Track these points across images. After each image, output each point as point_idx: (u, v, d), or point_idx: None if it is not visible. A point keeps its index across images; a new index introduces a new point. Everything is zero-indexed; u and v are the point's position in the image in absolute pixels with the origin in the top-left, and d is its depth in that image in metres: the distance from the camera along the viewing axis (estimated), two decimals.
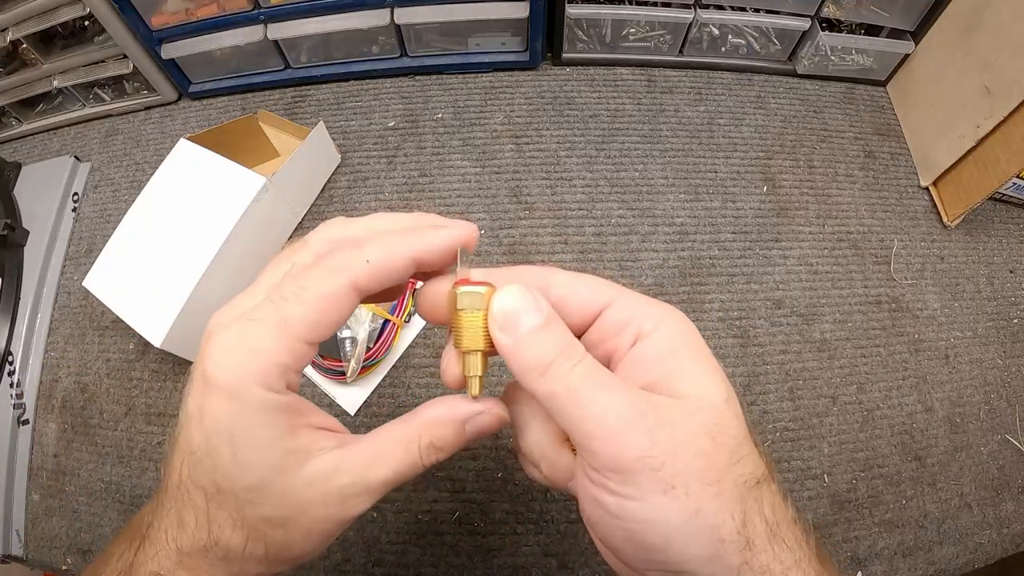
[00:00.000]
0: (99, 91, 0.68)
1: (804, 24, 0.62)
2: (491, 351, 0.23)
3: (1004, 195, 0.59)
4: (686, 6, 0.62)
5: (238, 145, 0.57)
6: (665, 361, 0.22)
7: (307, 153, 0.56)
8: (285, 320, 0.20)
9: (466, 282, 0.23)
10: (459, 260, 0.23)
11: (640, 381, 0.22)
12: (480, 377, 0.24)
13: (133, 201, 0.52)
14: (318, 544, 0.23)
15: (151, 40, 0.61)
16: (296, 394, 0.22)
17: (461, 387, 0.25)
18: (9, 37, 0.58)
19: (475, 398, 0.24)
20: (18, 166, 0.65)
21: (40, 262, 0.59)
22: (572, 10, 0.61)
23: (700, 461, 0.20)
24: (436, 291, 0.24)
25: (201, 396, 0.20)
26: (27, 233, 0.60)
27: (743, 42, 0.65)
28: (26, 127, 0.70)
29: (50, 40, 0.63)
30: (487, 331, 0.23)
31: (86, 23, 0.63)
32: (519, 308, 0.21)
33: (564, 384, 0.21)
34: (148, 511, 0.23)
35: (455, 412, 0.24)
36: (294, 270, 0.22)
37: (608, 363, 0.23)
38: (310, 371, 0.51)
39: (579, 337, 0.24)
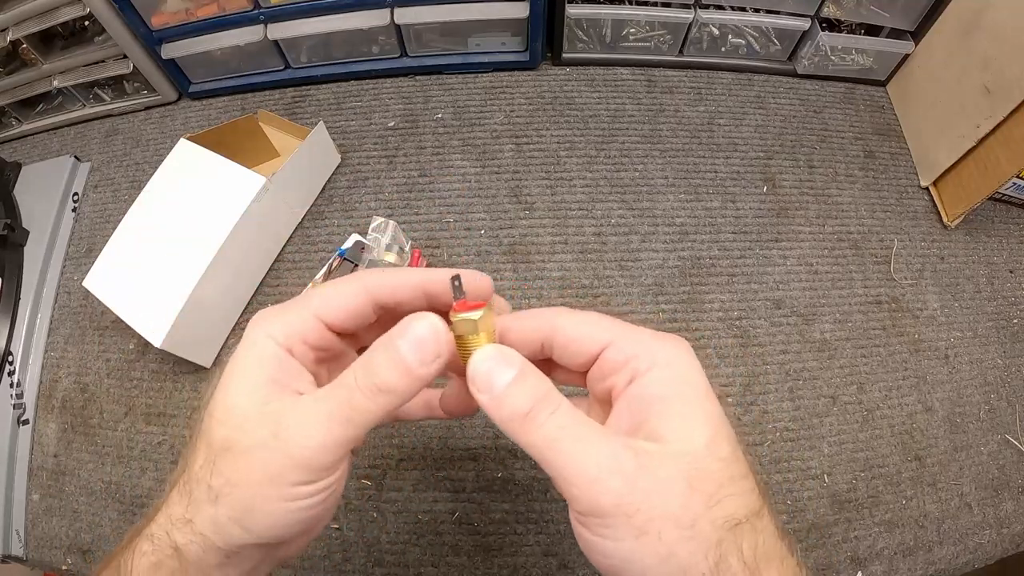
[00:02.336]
0: (99, 91, 0.68)
1: (804, 24, 0.62)
2: None
3: (1004, 195, 0.59)
4: (686, 6, 0.62)
5: (238, 145, 0.57)
6: (652, 404, 0.23)
7: (307, 153, 0.56)
8: (306, 299, 0.25)
9: (462, 307, 0.24)
10: (452, 288, 0.24)
11: (629, 422, 0.23)
12: None
13: (133, 201, 0.52)
14: (264, 497, 0.22)
15: (151, 40, 0.61)
16: (302, 367, 0.25)
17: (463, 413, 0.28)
18: (9, 37, 0.58)
19: None
20: (18, 166, 0.65)
21: (40, 262, 0.59)
22: (572, 10, 0.61)
23: (675, 507, 0.21)
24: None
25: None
26: (27, 233, 0.60)
27: (743, 42, 0.65)
28: (26, 127, 0.70)
29: (50, 40, 0.63)
30: None
31: (86, 23, 0.63)
32: (492, 367, 0.23)
33: (542, 434, 0.22)
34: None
35: (386, 336, 0.23)
36: None
37: (608, 399, 0.25)
38: None
39: (585, 373, 0.26)
